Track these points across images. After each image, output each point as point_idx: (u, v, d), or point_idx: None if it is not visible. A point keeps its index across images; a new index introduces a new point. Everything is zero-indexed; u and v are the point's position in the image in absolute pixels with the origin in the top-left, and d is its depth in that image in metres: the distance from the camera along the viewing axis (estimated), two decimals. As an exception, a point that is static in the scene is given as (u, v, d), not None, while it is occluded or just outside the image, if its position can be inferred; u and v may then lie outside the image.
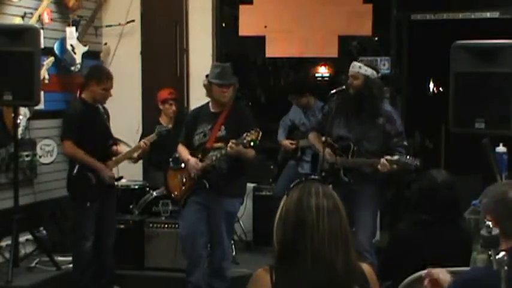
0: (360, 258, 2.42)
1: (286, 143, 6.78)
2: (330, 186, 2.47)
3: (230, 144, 5.01)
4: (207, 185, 5.22)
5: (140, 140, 6.22)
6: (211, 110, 5.34)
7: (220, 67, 5.31)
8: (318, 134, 5.53)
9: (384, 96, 5.54)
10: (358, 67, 5.25)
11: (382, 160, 4.98)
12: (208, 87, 5.31)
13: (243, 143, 5.00)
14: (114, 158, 5.66)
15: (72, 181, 5.53)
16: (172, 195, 5.54)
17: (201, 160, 5.23)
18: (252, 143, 4.98)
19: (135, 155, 5.84)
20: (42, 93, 6.05)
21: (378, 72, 5.36)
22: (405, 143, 5.28)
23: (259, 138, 5.00)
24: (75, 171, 5.46)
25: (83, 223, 5.48)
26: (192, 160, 5.26)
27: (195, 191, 5.29)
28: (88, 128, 5.47)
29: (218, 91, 5.24)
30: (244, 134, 4.99)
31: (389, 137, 5.19)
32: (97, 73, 5.57)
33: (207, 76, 5.32)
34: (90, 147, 5.45)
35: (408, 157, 5.00)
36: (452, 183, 3.81)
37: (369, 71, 5.24)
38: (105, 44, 7.42)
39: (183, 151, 5.39)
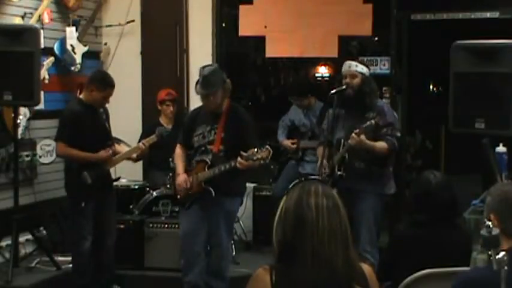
0: (361, 259, 2.42)
1: (287, 143, 6.78)
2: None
3: (240, 160, 4.95)
4: (213, 193, 5.18)
5: (140, 140, 6.23)
6: (209, 111, 5.32)
7: (201, 76, 5.19)
8: (325, 147, 5.49)
9: (377, 93, 5.55)
10: (355, 66, 5.28)
11: (352, 135, 5.01)
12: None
13: (253, 160, 4.97)
14: (113, 158, 5.65)
15: (68, 182, 5.54)
16: (178, 196, 5.42)
17: (210, 166, 5.19)
18: (261, 161, 4.95)
19: (134, 155, 5.83)
20: (42, 93, 6.06)
21: (369, 70, 5.41)
22: (398, 133, 5.27)
23: (269, 157, 4.97)
24: (70, 172, 5.47)
25: (80, 223, 5.48)
26: (182, 178, 5.24)
27: (200, 196, 5.25)
28: (85, 128, 5.46)
29: (202, 100, 5.23)
30: (255, 150, 4.92)
31: (378, 128, 5.18)
32: (100, 79, 5.54)
33: (197, 82, 5.29)
34: (89, 147, 5.44)
35: (367, 122, 5.02)
36: (447, 184, 3.80)
37: (365, 69, 5.30)
38: (105, 44, 7.42)
39: (178, 158, 5.37)
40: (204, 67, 5.30)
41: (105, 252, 5.63)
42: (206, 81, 5.15)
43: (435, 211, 3.73)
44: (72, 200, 5.55)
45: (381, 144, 5.16)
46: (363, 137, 5.00)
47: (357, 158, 5.20)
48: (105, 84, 5.49)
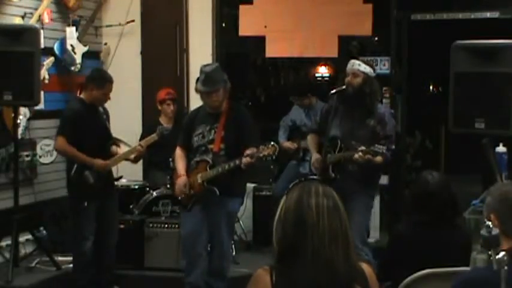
0: (359, 258, 2.42)
1: (288, 144, 6.77)
2: None
3: (246, 158, 4.94)
4: (218, 192, 5.17)
5: (140, 140, 6.22)
6: (209, 111, 5.31)
7: (204, 73, 5.17)
8: (316, 136, 5.54)
9: (379, 96, 5.54)
10: (358, 65, 5.25)
11: (356, 154, 4.99)
12: (198, 92, 5.29)
13: (259, 156, 4.96)
14: (110, 159, 5.62)
15: (70, 181, 5.53)
16: (179, 197, 5.38)
17: (211, 166, 5.18)
18: (268, 158, 4.94)
19: (132, 156, 5.80)
20: (42, 93, 6.06)
21: (374, 71, 5.39)
22: (393, 146, 5.25)
23: (276, 153, 4.96)
24: (73, 171, 5.46)
25: (82, 223, 5.48)
26: (182, 181, 5.21)
27: (203, 196, 5.24)
28: (86, 128, 5.46)
29: (205, 97, 5.20)
30: (260, 147, 4.93)
31: (377, 139, 5.17)
32: (97, 77, 5.56)
33: (197, 80, 5.29)
34: (88, 146, 5.44)
35: (377, 145, 4.99)
36: (445, 184, 3.79)
37: (368, 69, 5.27)
38: (105, 44, 7.43)
39: (179, 160, 5.35)
40: (205, 65, 5.29)
41: (107, 252, 5.62)
42: (209, 79, 5.14)
43: (434, 211, 3.73)
44: (74, 199, 5.54)
45: (378, 159, 5.14)
46: (368, 156, 4.99)
47: (351, 162, 5.18)
48: (103, 81, 5.51)
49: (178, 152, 5.39)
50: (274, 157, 4.99)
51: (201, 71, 5.23)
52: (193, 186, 5.23)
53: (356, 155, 5.01)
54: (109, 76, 5.59)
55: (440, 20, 7.01)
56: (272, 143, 4.96)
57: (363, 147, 4.99)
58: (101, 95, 5.49)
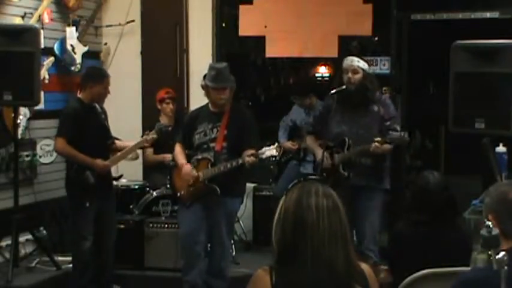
0: (362, 258, 2.42)
1: (288, 144, 6.77)
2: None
3: (250, 158, 4.95)
4: (219, 191, 5.17)
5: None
6: (212, 109, 5.32)
7: (215, 70, 5.23)
8: (315, 137, 5.53)
9: (379, 89, 5.58)
10: (357, 61, 5.27)
11: (373, 144, 4.97)
12: (206, 88, 5.29)
13: (262, 158, 4.95)
14: (109, 160, 5.60)
15: (70, 181, 5.54)
16: (178, 194, 5.40)
17: (213, 164, 5.19)
18: (272, 159, 4.94)
19: (129, 157, 5.77)
20: (42, 93, 6.06)
21: (369, 66, 5.44)
22: (398, 127, 5.25)
23: (280, 154, 4.96)
24: (72, 171, 5.46)
25: (81, 224, 5.48)
26: (187, 168, 5.22)
27: (203, 195, 5.23)
28: (85, 128, 5.46)
29: (214, 94, 5.22)
30: (264, 148, 4.93)
31: (383, 121, 5.19)
32: (95, 74, 5.61)
33: (204, 77, 5.30)
34: (88, 146, 5.43)
35: (399, 133, 5.01)
36: (444, 184, 3.80)
37: (366, 65, 5.31)
38: (105, 44, 7.43)
39: (179, 154, 5.36)
40: (216, 63, 5.32)
41: (106, 251, 5.62)
42: (220, 76, 5.18)
43: (433, 211, 3.73)
44: (74, 200, 5.54)
45: (389, 147, 5.17)
46: (385, 146, 4.98)
47: (367, 155, 5.16)
48: (101, 76, 5.57)
49: (178, 149, 5.40)
50: (277, 158, 4.99)
51: (212, 68, 5.27)
52: (194, 184, 5.23)
53: (373, 145, 4.98)
54: (105, 71, 5.74)
55: (440, 20, 7.01)
56: (276, 144, 4.98)
57: (378, 138, 4.98)
58: (102, 90, 5.52)
